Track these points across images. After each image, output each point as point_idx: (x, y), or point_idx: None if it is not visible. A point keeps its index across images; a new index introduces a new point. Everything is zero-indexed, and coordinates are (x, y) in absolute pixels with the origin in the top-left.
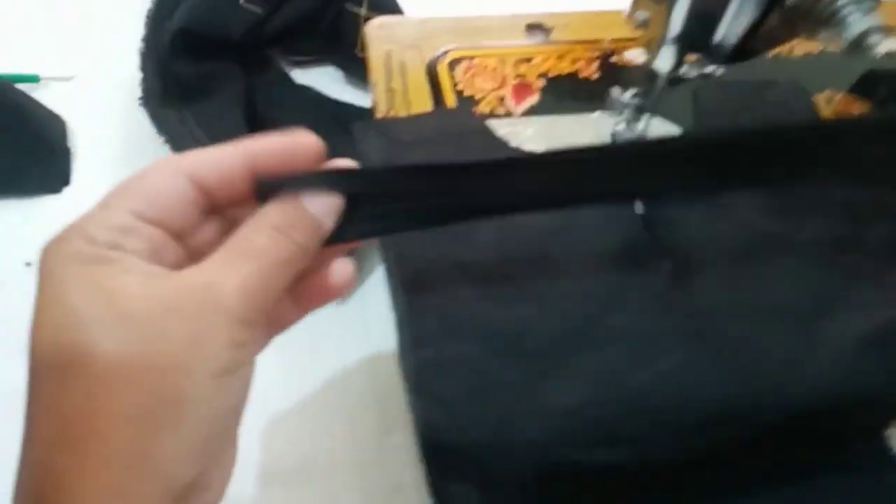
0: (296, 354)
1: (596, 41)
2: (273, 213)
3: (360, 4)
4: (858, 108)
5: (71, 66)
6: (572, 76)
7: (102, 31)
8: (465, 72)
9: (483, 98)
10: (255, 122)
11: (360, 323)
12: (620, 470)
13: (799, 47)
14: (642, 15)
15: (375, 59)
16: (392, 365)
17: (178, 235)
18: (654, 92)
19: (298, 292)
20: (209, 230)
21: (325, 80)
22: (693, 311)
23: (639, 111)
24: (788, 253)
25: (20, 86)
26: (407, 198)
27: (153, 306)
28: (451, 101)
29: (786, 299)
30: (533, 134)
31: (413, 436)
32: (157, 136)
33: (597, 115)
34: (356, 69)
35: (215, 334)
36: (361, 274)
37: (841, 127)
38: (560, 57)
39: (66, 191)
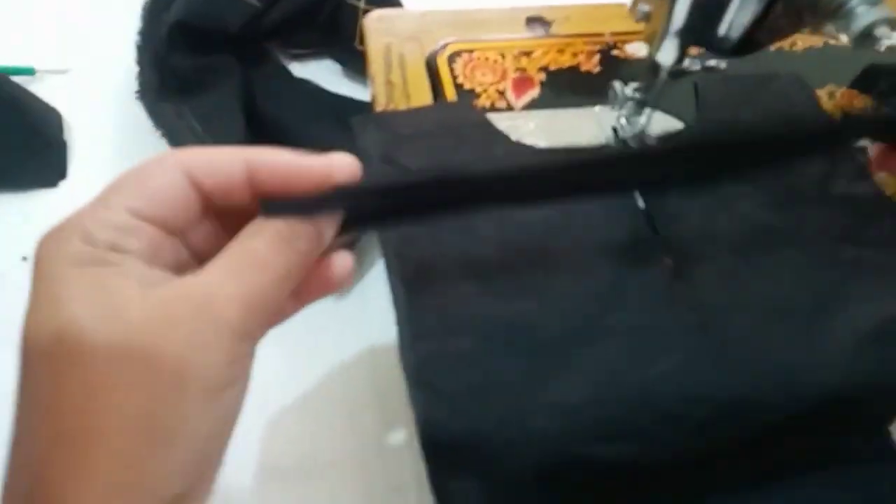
0: (295, 350)
1: (597, 34)
2: (277, 221)
3: None
4: (860, 102)
5: (67, 58)
6: (573, 70)
7: (99, 24)
8: (465, 65)
9: (483, 91)
10: (253, 116)
11: (360, 318)
12: (623, 466)
13: (801, 41)
14: (644, 7)
15: (374, 51)
16: (392, 361)
17: (177, 233)
18: (656, 86)
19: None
20: (207, 227)
21: (323, 73)
22: (695, 306)
23: (640, 105)
24: (791, 247)
25: (16, 78)
26: (408, 199)
27: (151, 316)
28: (450, 94)
29: (788, 294)
30: (534, 128)
31: (414, 432)
32: (153, 129)
33: (598, 109)
34: (355, 62)
35: (213, 348)
36: (361, 269)
37: (839, 125)
38: (561, 50)
39: (63, 185)
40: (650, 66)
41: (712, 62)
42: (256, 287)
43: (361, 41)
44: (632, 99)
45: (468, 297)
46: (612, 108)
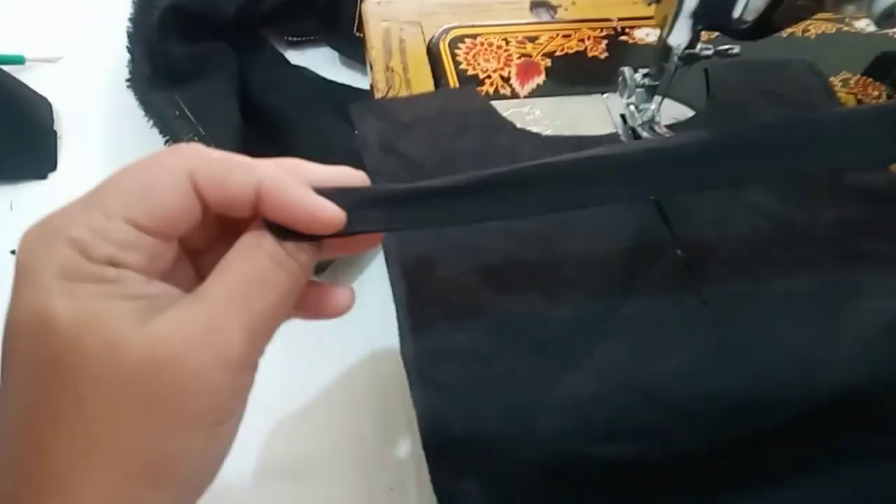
0: (294, 347)
1: (604, 20)
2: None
3: None
4: (874, 90)
5: (57, 47)
6: (580, 56)
7: (90, 12)
8: (468, 50)
9: (487, 78)
10: (248, 105)
11: (360, 313)
12: (632, 465)
13: (813, 27)
14: None
15: (374, 36)
16: (394, 357)
17: (175, 238)
18: (667, 71)
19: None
20: (205, 226)
21: (320, 60)
22: (707, 299)
23: (650, 92)
24: (804, 239)
25: (5, 67)
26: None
27: (153, 352)
28: (452, 80)
29: (801, 287)
30: (539, 115)
31: (415, 431)
32: (145, 118)
33: (606, 96)
34: (353, 50)
35: (216, 382)
36: (361, 262)
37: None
38: (567, 36)
39: (53, 176)
40: (661, 51)
41: (725, 47)
42: (259, 311)
43: (360, 28)
44: (642, 86)
45: (472, 289)
46: (621, 95)
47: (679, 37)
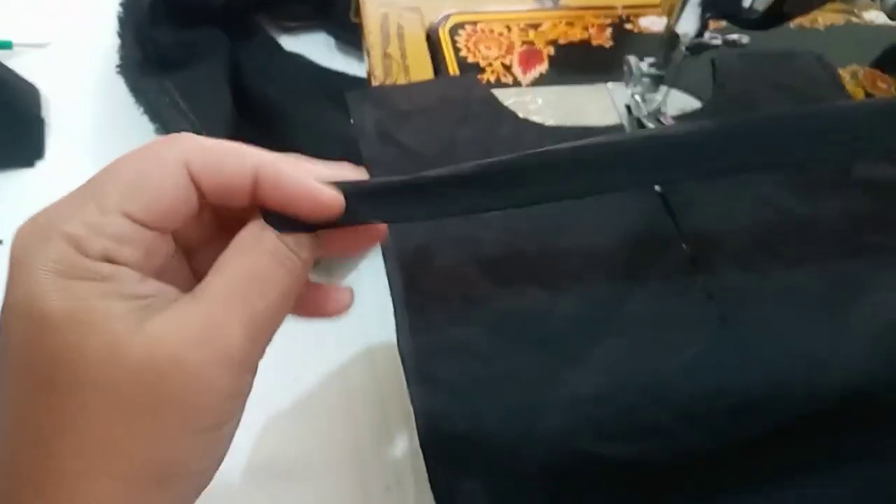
0: (290, 344)
1: (608, 7)
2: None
3: None
4: (883, 83)
5: (46, 32)
6: (584, 44)
7: None
8: (469, 37)
9: (488, 66)
10: (241, 93)
11: (357, 309)
12: (636, 465)
13: (822, 18)
14: None
15: (371, 22)
16: (391, 354)
17: (171, 231)
18: (674, 60)
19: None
20: (200, 219)
21: (315, 47)
22: (713, 295)
23: (657, 82)
24: (812, 233)
25: None
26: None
27: (151, 354)
28: (453, 68)
29: (808, 282)
30: (542, 105)
31: (413, 429)
32: (135, 106)
33: (610, 85)
34: (349, 36)
35: (215, 385)
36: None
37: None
38: (570, 23)
39: (40, 164)
40: (667, 39)
41: (734, 36)
42: (260, 309)
43: (356, 13)
44: (648, 75)
45: (472, 283)
46: (626, 84)
47: (687, 25)
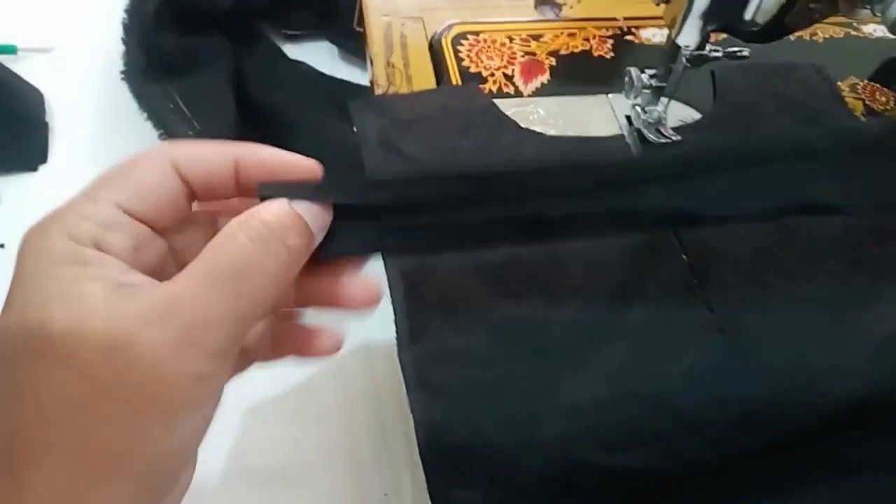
0: None
1: (610, 19)
2: (264, 213)
3: None
4: (882, 96)
5: (50, 36)
6: (585, 55)
7: (84, 1)
8: (471, 47)
9: (490, 76)
10: (244, 99)
11: (357, 316)
12: (636, 474)
13: (821, 31)
14: None
15: (374, 31)
16: (390, 360)
17: (164, 231)
18: (675, 72)
19: (277, 335)
20: (193, 232)
21: (319, 55)
22: (714, 305)
23: (657, 93)
24: (813, 243)
25: None
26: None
27: (105, 332)
28: (455, 78)
29: (810, 293)
30: (543, 115)
31: (412, 436)
32: (139, 111)
33: (611, 96)
34: (352, 44)
35: (173, 365)
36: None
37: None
38: (572, 34)
39: (43, 169)
40: (668, 51)
41: (735, 49)
42: (231, 292)
43: (360, 22)
44: (648, 86)
45: (473, 289)
46: (627, 95)
47: (688, 37)
